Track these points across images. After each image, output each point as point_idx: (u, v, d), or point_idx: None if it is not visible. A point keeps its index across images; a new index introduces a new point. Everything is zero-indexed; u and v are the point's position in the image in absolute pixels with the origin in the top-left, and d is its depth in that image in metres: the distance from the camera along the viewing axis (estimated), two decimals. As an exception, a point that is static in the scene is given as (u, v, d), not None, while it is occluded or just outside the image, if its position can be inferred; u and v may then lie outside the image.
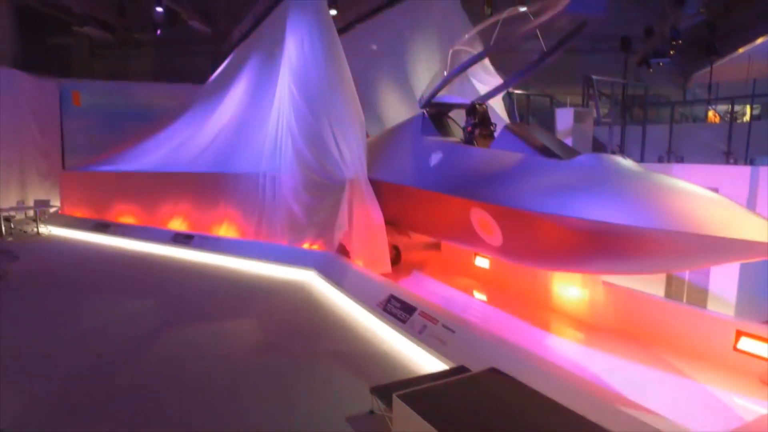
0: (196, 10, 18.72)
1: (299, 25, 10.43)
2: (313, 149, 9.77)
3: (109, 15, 18.03)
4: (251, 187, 10.90)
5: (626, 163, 5.26)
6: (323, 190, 9.40)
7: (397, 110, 12.28)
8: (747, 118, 15.47)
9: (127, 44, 20.34)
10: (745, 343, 5.27)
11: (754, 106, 18.56)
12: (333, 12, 14.66)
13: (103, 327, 6.96)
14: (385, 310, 6.66)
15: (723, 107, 17.59)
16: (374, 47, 14.10)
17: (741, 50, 17.29)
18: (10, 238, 12.99)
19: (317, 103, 9.78)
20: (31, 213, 14.73)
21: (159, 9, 15.17)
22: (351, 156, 9.11)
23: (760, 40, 16.31)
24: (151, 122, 14.74)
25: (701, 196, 4.39)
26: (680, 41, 16.85)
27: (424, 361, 5.64)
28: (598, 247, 4.99)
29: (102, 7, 17.76)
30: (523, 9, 6.51)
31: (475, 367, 4.49)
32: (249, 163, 11.11)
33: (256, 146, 11.15)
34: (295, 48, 10.39)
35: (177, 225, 12.33)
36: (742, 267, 5.64)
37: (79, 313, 7.56)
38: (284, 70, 10.73)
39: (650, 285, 6.32)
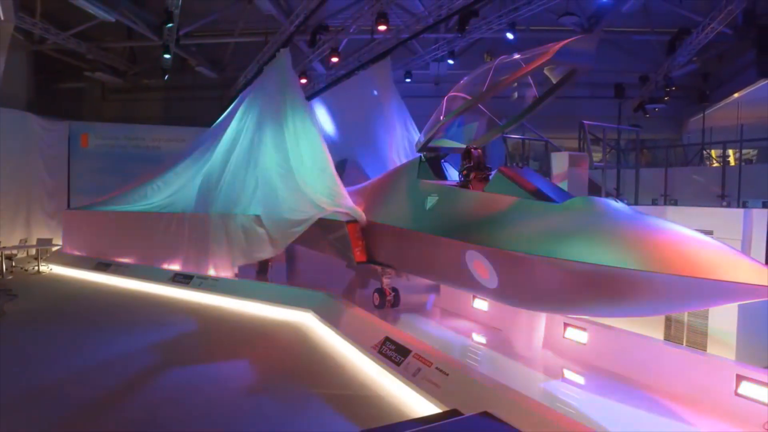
0: (203, 57, 19.40)
1: (271, 82, 12.09)
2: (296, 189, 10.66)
3: (120, 61, 18.70)
4: (235, 228, 11.40)
5: (618, 206, 5.33)
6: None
7: (399, 153, 12.55)
8: (732, 161, 15.81)
9: (136, 89, 20.97)
10: (747, 388, 5.18)
11: (752, 150, 18.88)
12: (334, 59, 15.25)
13: (98, 367, 6.91)
14: (380, 352, 6.60)
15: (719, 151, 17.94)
16: (375, 93, 14.54)
17: (723, 102, 17.85)
18: (10, 276, 13.01)
19: (287, 150, 11.05)
20: (33, 251, 14.82)
21: (167, 56, 15.73)
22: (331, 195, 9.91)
23: (737, 95, 16.87)
24: (156, 164, 15.04)
25: (693, 239, 4.42)
26: (674, 88, 17.31)
27: (418, 405, 5.56)
28: (591, 289, 4.99)
29: (113, 53, 18.44)
30: (516, 56, 6.75)
31: (468, 410, 4.42)
32: (232, 205, 11.71)
33: (241, 189, 11.82)
34: (269, 101, 11.84)
35: (172, 265, 12.48)
36: (741, 310, 5.62)
37: (74, 352, 7.51)
38: (261, 119, 11.96)
39: (649, 327, 6.27)
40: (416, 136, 12.40)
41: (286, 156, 11.02)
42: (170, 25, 13.82)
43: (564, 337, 6.95)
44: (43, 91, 18.68)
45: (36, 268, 13.83)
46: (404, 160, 11.14)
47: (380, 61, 14.07)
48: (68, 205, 17.18)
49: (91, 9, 13.35)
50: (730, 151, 16.89)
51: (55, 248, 14.94)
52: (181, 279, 11.51)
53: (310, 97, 16.97)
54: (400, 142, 12.55)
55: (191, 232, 12.17)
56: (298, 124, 11.00)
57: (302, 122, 10.96)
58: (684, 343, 6.06)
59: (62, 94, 20.52)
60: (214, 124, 14.21)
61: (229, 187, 11.96)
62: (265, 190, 11.41)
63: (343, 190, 9.82)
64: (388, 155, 12.41)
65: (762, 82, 15.95)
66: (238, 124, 12.68)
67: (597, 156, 10.91)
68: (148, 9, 15.66)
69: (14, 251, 14.35)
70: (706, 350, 5.85)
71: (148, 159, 17.47)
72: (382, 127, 12.91)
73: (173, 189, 13.40)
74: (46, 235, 15.72)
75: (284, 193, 10.86)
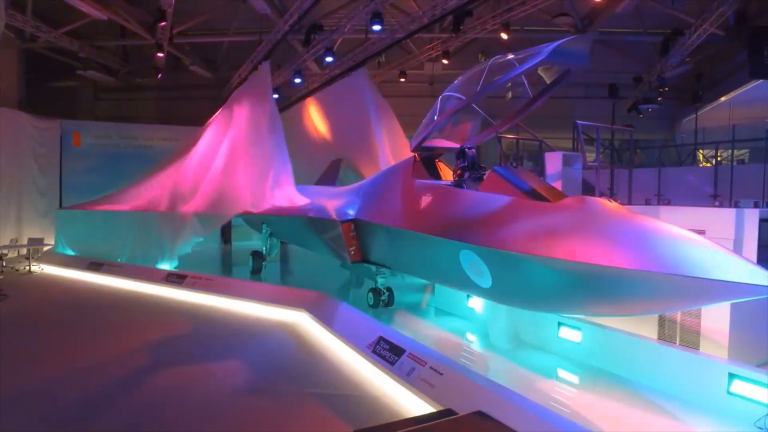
0: (197, 56, 19.29)
1: (250, 94, 12.88)
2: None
3: (113, 60, 18.56)
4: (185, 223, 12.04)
5: (612, 205, 5.34)
6: None
7: (385, 155, 12.67)
8: (719, 161, 16.00)
9: (130, 88, 20.84)
10: (739, 387, 5.21)
11: (742, 149, 19.05)
12: (329, 59, 15.21)
13: (89, 368, 6.84)
14: (374, 352, 6.59)
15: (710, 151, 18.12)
16: (369, 92, 14.56)
17: (716, 102, 17.99)
18: (1, 277, 12.88)
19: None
20: (24, 251, 14.68)
21: (160, 54, 15.62)
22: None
23: (723, 98, 16.98)
24: (149, 163, 14.99)
25: (685, 238, 4.44)
26: (667, 89, 17.40)
27: (412, 404, 5.55)
28: (585, 289, 5.00)
29: (106, 52, 18.31)
30: (510, 56, 6.75)
31: (463, 409, 4.41)
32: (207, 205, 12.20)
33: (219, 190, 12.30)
34: (247, 112, 12.59)
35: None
36: (734, 309, 5.65)
37: (65, 353, 7.44)
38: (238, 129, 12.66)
39: (643, 327, 6.30)
40: (402, 139, 13.06)
41: (260, 163, 11.82)
42: (164, 23, 13.73)
43: (558, 336, 6.97)
44: (35, 90, 18.50)
45: (27, 267, 13.71)
46: (388, 163, 11.41)
47: (355, 70, 14.40)
48: (60, 205, 17.04)
49: (83, 7, 13.26)
50: (717, 152, 17.09)
51: (46, 248, 14.81)
52: (175, 278, 11.44)
53: (303, 97, 17.03)
54: (387, 145, 12.79)
55: (162, 229, 12.76)
56: (272, 138, 11.88)
57: (275, 137, 11.89)
58: (677, 342, 6.08)
59: (54, 93, 20.35)
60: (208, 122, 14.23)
61: (208, 187, 12.44)
62: (230, 189, 12.11)
63: (303, 201, 10.96)
64: (375, 157, 12.59)
65: (753, 83, 16.09)
66: (218, 129, 13.10)
67: (591, 156, 10.91)
68: (141, 7, 15.56)
69: (5, 251, 14.22)
70: (699, 349, 5.88)
71: (142, 158, 17.35)
72: (367, 131, 13.11)
73: (162, 186, 13.47)
74: (37, 235, 15.57)
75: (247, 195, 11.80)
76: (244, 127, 12.50)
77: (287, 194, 11.47)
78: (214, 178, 12.43)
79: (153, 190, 13.60)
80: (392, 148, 12.88)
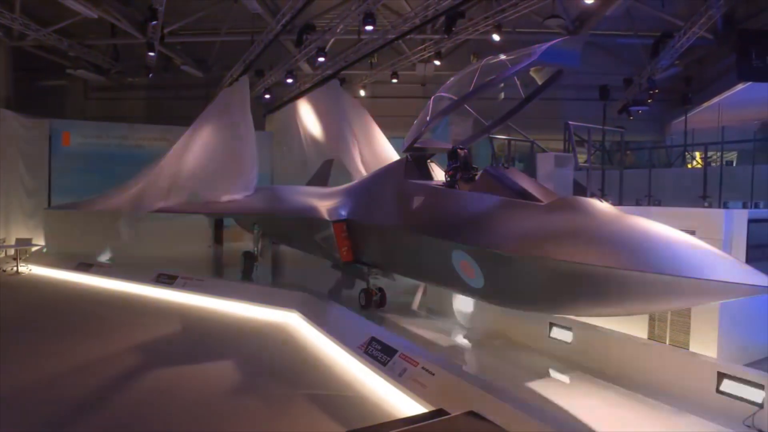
0: (188, 55, 19.19)
1: (229, 106, 12.99)
2: None
3: (103, 59, 18.40)
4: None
5: (603, 205, 5.36)
6: None
7: (359, 162, 12.83)
8: (698, 161, 16.24)
9: (120, 87, 20.67)
10: (728, 386, 5.25)
11: (732, 151, 19.28)
12: (321, 59, 15.21)
13: (80, 369, 6.78)
14: (366, 352, 6.58)
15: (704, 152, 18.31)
16: (362, 93, 14.57)
17: (705, 105, 18.23)
18: (-12, 278, 12.74)
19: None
20: (11, 252, 14.50)
21: (151, 54, 15.51)
22: None
23: (707, 104, 17.17)
24: (141, 163, 14.86)
25: (676, 238, 4.46)
26: (657, 91, 17.57)
27: (404, 404, 5.54)
28: (576, 288, 5.02)
29: (97, 51, 18.14)
30: (502, 57, 6.77)
31: (455, 409, 4.41)
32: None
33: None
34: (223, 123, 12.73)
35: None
36: (723, 309, 5.69)
37: (54, 354, 7.35)
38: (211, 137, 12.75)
39: (634, 326, 6.33)
40: (384, 141, 13.30)
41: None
42: (155, 22, 13.64)
43: (549, 336, 6.99)
44: (24, 89, 18.30)
45: (15, 268, 13.54)
46: (366, 167, 11.54)
47: (328, 82, 14.56)
48: (48, 205, 16.86)
49: (74, 5, 13.15)
50: (697, 153, 17.31)
51: (34, 248, 14.64)
52: (165, 279, 11.37)
53: (295, 97, 17.01)
54: (365, 152, 12.95)
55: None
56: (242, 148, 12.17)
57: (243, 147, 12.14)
58: (667, 342, 6.12)
59: (43, 92, 20.14)
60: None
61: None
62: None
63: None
64: (355, 160, 12.71)
65: (742, 86, 16.28)
66: (193, 134, 13.08)
67: (582, 157, 10.98)
68: (132, 6, 15.45)
69: (-8, 252, 14.06)
70: (688, 348, 5.92)
71: (132, 158, 17.15)
72: (346, 136, 13.28)
73: (144, 185, 13.46)
74: (25, 235, 15.38)
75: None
76: (212, 139, 12.66)
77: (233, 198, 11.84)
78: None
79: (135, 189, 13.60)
80: (370, 151, 13.00)
